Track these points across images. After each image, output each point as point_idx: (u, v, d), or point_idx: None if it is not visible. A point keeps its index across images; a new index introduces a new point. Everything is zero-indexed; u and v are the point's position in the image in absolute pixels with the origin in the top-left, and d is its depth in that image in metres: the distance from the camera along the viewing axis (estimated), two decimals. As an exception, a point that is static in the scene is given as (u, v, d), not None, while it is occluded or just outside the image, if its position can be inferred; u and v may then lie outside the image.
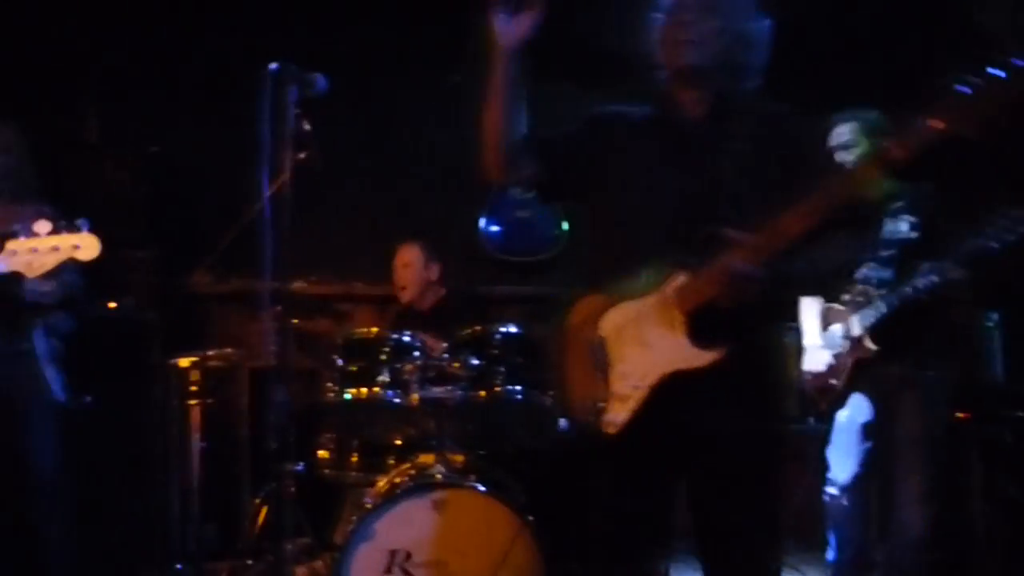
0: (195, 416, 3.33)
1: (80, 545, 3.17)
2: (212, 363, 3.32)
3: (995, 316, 3.60)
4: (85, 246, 2.43)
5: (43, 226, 2.41)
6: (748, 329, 1.92)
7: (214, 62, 3.90)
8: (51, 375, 3.06)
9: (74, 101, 3.78)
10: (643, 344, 1.93)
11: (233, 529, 3.46)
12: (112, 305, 3.55)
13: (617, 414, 1.93)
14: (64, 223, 2.44)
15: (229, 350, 3.45)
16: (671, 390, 1.90)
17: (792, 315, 3.11)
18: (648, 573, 2.09)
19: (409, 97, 4.35)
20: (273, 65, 2.41)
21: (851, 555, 3.21)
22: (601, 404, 1.96)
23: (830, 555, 3.27)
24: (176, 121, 3.36)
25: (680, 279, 1.90)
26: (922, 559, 2.88)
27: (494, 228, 4.30)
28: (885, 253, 3.03)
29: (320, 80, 2.55)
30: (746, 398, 1.95)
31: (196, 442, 3.32)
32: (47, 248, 2.41)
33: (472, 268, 4.19)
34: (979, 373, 3.57)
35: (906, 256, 2.97)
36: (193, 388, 3.34)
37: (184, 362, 3.34)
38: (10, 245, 2.41)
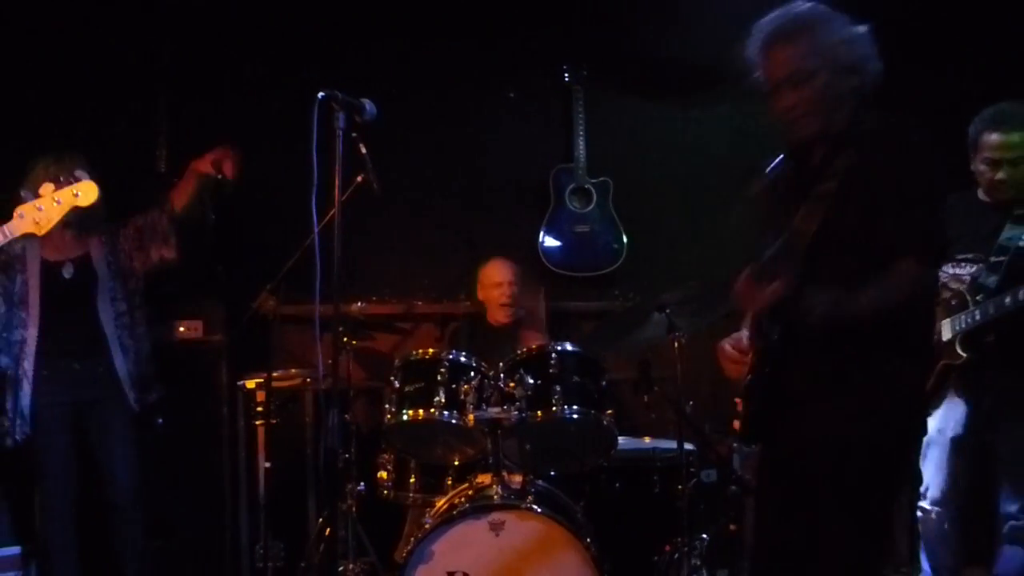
0: (261, 436, 3.40)
1: (151, 562, 3.27)
2: (277, 384, 3.38)
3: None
4: (84, 192, 2.55)
5: (47, 188, 2.54)
6: None
7: (272, 92, 4.00)
8: (129, 394, 3.19)
9: (144, 132, 3.92)
10: None
11: (299, 547, 3.52)
12: (182, 329, 3.66)
13: None
14: (63, 178, 2.56)
15: (293, 371, 3.51)
16: None
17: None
18: None
19: (464, 114, 4.37)
20: (321, 93, 2.44)
21: None
22: None
23: None
24: (242, 149, 3.45)
25: None
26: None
27: (553, 243, 4.27)
28: (996, 259, 2.87)
29: (368, 105, 2.57)
30: None
31: (262, 461, 3.38)
32: (50, 203, 2.52)
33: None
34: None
35: (1016, 265, 2.82)
36: (259, 408, 3.40)
37: (251, 383, 3.41)
38: (18, 209, 2.53)
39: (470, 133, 4.38)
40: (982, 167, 2.90)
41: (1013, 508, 2.91)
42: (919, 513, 3.10)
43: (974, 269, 2.88)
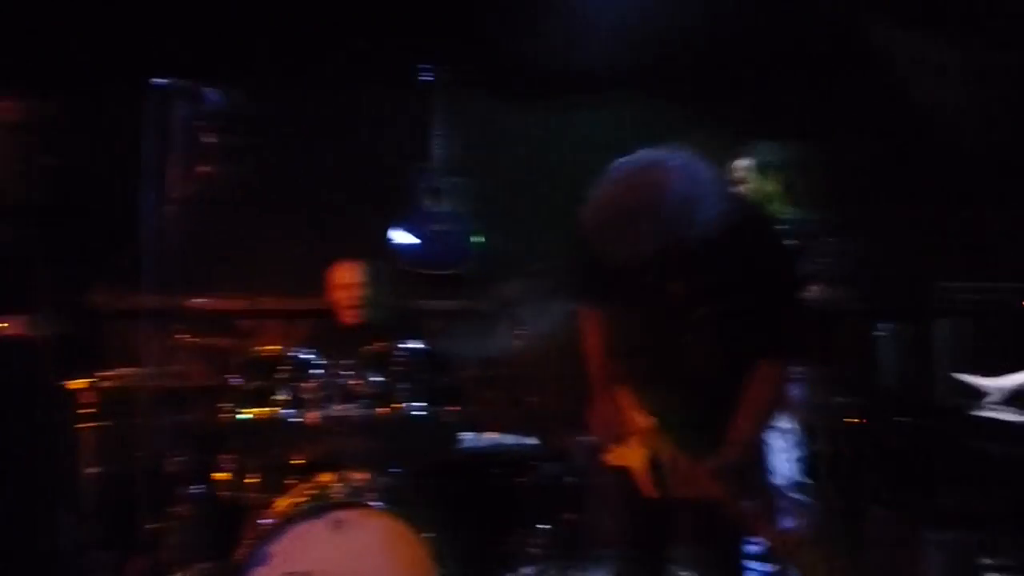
0: (89, 440, 3.22)
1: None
2: (107, 384, 3.21)
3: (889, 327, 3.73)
4: None
5: None
6: None
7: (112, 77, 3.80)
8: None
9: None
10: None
11: (131, 556, 3.35)
12: (3, 325, 3.42)
13: None
14: None
15: (126, 370, 3.34)
16: None
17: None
18: None
19: (319, 109, 4.31)
20: (159, 79, 2.35)
21: None
22: None
23: None
24: (74, 132, 3.26)
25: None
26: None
27: (408, 241, 4.26)
28: None
29: (211, 94, 2.50)
30: None
31: (90, 467, 3.20)
32: None
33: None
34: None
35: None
36: (87, 411, 3.22)
37: (77, 384, 3.22)
38: None
39: (325, 128, 4.31)
40: None
41: None
42: None
43: None
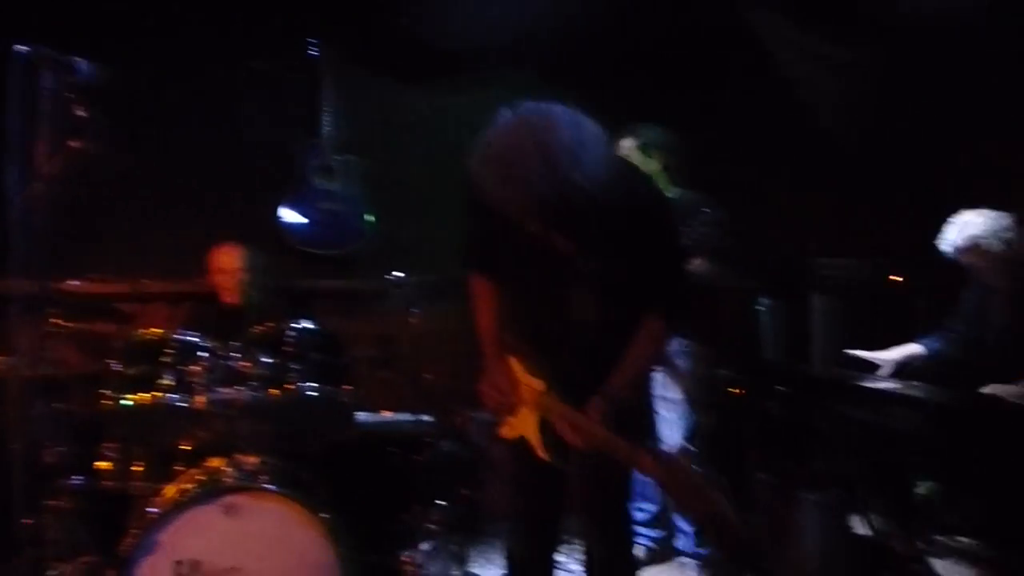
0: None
1: None
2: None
3: (767, 302, 3.92)
4: None
5: None
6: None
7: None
8: None
9: None
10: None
11: (5, 555, 3.18)
12: None
13: None
14: None
15: (-2, 358, 3.15)
16: None
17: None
18: None
19: (204, 84, 4.16)
20: (22, 47, 2.22)
21: None
22: None
23: None
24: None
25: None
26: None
27: (297, 220, 4.18)
28: None
29: (83, 65, 2.38)
30: None
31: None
32: None
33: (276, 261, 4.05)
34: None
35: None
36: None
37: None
38: None
39: (210, 104, 4.16)
40: None
41: None
42: None
43: None
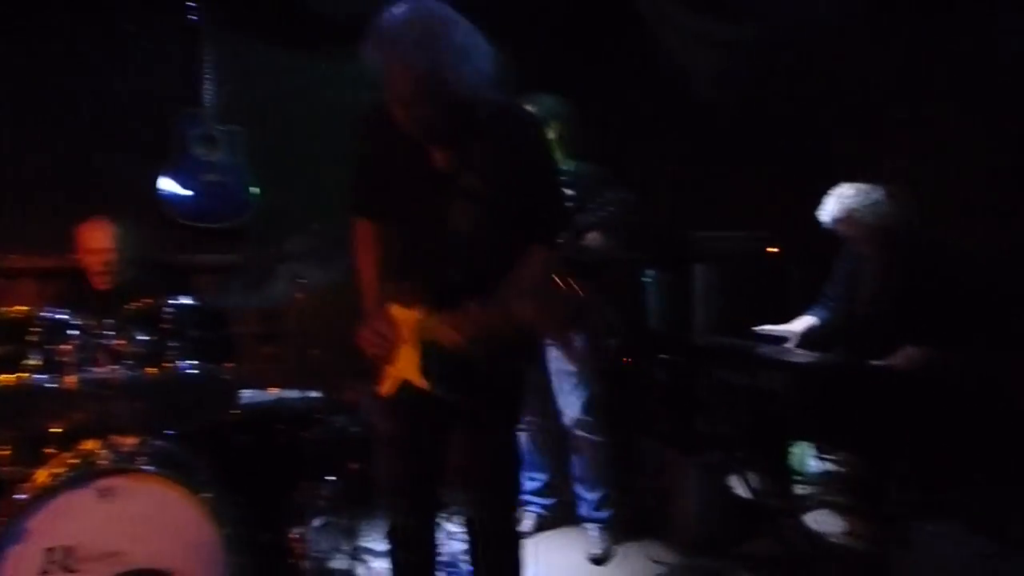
0: None
1: None
2: None
3: (652, 273, 4.03)
4: None
5: None
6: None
7: None
8: None
9: None
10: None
11: None
12: None
13: None
14: None
15: None
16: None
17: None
18: None
19: (77, 49, 3.93)
20: None
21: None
22: None
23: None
24: None
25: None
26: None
27: (178, 192, 4.02)
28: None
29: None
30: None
31: None
32: None
33: (153, 235, 3.89)
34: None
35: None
36: None
37: None
38: None
39: (83, 70, 3.94)
40: None
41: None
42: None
43: None
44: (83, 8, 3.91)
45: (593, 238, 3.36)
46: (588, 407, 3.51)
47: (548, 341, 3.47)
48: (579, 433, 3.52)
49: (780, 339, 3.57)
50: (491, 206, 2.11)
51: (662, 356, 3.56)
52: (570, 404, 3.52)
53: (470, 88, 1.95)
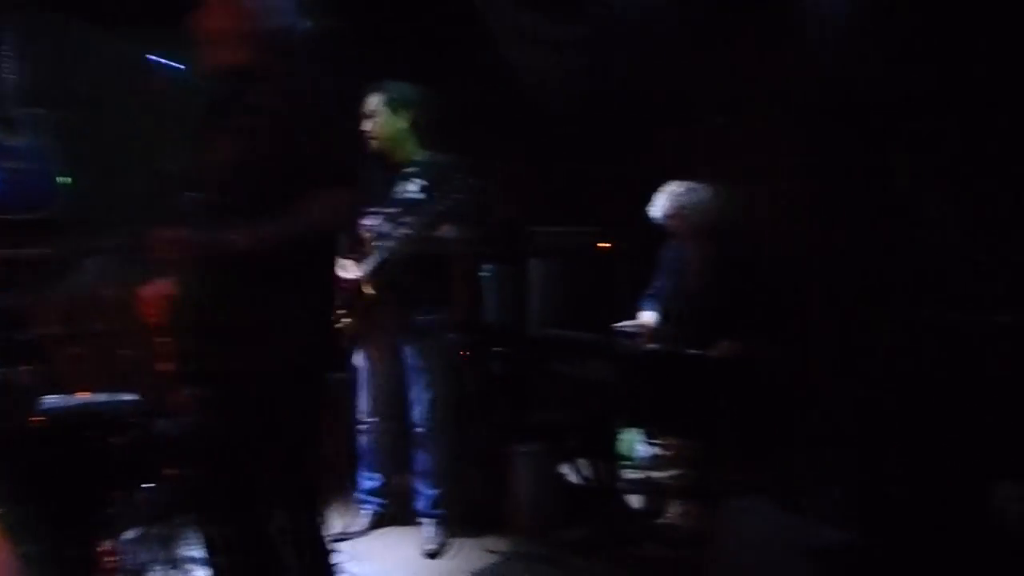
0: None
1: None
2: None
3: (491, 267, 4.07)
4: None
5: None
6: None
7: None
8: None
9: None
10: None
11: None
12: None
13: None
14: None
15: None
16: None
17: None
18: None
19: None
20: None
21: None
22: None
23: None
24: None
25: None
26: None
27: (-26, 181, 3.66)
28: (392, 210, 3.25)
29: None
30: None
31: None
32: None
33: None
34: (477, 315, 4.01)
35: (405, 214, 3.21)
36: None
37: None
38: None
39: None
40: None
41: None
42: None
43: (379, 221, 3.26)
44: None
45: (448, 230, 3.30)
46: (433, 403, 3.48)
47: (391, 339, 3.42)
48: (421, 430, 3.49)
49: (635, 334, 3.68)
50: (258, 142, 2.13)
51: (497, 349, 3.60)
52: (419, 401, 3.47)
53: (272, 34, 2.18)
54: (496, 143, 4.46)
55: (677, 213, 3.58)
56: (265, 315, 2.13)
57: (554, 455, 3.59)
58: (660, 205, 3.59)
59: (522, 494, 3.57)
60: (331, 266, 2.38)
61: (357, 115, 3.26)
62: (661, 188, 3.66)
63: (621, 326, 3.70)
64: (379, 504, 3.68)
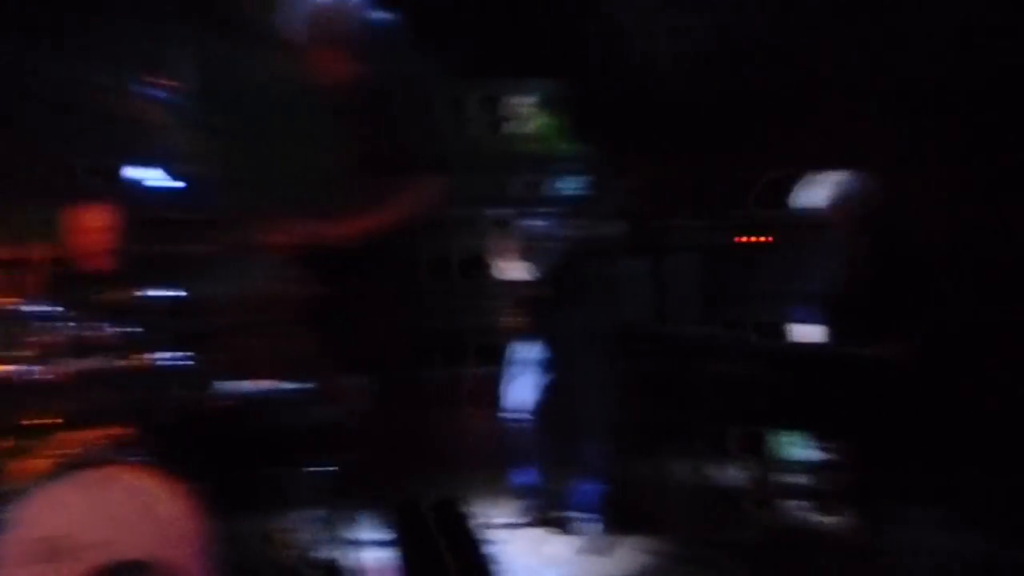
0: None
1: None
2: None
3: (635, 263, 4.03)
4: None
5: None
6: None
7: None
8: None
9: None
10: None
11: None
12: None
13: None
14: None
15: None
16: None
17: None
18: None
19: None
20: None
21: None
22: None
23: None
24: None
25: None
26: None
27: (162, 183, 3.97)
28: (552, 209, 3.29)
29: None
30: None
31: None
32: None
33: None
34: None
35: (569, 212, 3.24)
36: None
37: None
38: None
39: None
40: None
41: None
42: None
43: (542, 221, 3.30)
44: None
45: (607, 227, 3.33)
46: (593, 401, 3.50)
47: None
48: (581, 427, 3.51)
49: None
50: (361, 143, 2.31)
51: (649, 347, 3.57)
52: (580, 398, 3.50)
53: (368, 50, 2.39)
54: (633, 137, 4.41)
55: (840, 205, 3.42)
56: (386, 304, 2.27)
57: (712, 456, 3.53)
58: (819, 196, 3.45)
59: (678, 495, 3.53)
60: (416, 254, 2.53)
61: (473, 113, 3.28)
62: (814, 179, 3.53)
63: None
64: (535, 500, 3.72)
